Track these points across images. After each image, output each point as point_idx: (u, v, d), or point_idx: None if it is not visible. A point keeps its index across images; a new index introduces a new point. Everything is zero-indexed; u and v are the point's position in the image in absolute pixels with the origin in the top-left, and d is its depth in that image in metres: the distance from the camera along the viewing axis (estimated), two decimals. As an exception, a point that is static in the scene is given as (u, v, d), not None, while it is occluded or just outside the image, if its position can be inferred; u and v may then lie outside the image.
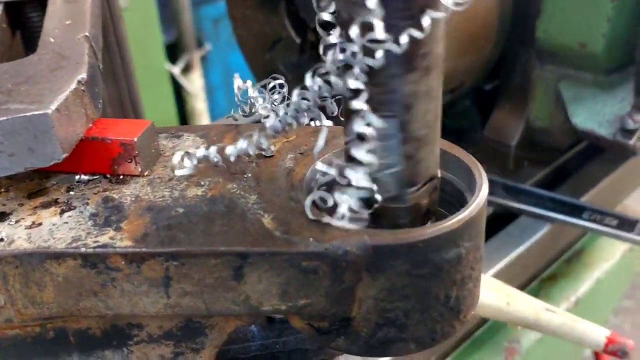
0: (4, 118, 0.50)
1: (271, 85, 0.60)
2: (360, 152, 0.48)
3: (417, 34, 0.45)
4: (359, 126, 0.47)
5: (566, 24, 1.34)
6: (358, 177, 0.48)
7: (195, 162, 0.56)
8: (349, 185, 0.49)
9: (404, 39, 0.45)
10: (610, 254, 1.58)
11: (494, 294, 1.19)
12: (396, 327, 0.53)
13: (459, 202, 0.56)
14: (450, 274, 0.52)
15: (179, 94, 3.30)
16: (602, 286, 1.53)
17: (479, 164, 0.56)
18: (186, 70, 3.34)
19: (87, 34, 0.65)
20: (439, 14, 0.45)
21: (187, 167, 0.56)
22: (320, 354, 0.80)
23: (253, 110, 0.62)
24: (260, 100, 0.61)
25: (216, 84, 3.55)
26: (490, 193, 1.43)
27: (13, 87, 0.55)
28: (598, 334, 1.16)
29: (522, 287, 1.26)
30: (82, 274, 0.51)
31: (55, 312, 0.53)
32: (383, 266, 0.50)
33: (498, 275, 1.28)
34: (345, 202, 0.49)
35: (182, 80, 3.29)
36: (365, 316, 0.53)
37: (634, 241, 1.34)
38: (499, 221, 1.43)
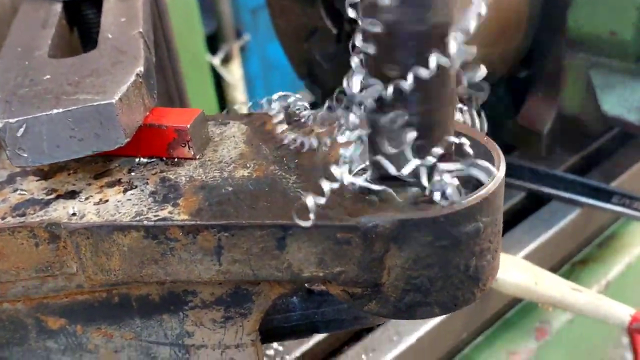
0: (75, 107, 0.57)
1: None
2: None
3: (424, 73, 0.51)
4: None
5: (596, 13, 1.35)
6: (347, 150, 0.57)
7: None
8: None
9: (410, 77, 0.51)
10: (641, 239, 1.58)
11: (523, 274, 1.23)
12: (421, 292, 0.59)
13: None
14: (469, 246, 0.58)
15: (219, 84, 3.35)
16: (633, 271, 1.54)
17: (497, 147, 0.61)
18: (226, 60, 3.37)
19: (140, 30, 0.72)
20: (444, 60, 0.51)
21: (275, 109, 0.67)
22: (355, 324, 0.86)
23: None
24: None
25: (255, 74, 3.52)
26: (521, 178, 1.48)
27: (80, 79, 0.62)
28: (623, 311, 1.18)
29: (553, 270, 1.28)
30: (145, 244, 0.58)
31: (121, 278, 0.60)
32: (408, 238, 0.56)
33: (529, 258, 1.30)
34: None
35: (222, 71, 3.34)
36: (393, 283, 0.59)
37: (661, 225, 1.37)
38: (530, 205, 1.47)
